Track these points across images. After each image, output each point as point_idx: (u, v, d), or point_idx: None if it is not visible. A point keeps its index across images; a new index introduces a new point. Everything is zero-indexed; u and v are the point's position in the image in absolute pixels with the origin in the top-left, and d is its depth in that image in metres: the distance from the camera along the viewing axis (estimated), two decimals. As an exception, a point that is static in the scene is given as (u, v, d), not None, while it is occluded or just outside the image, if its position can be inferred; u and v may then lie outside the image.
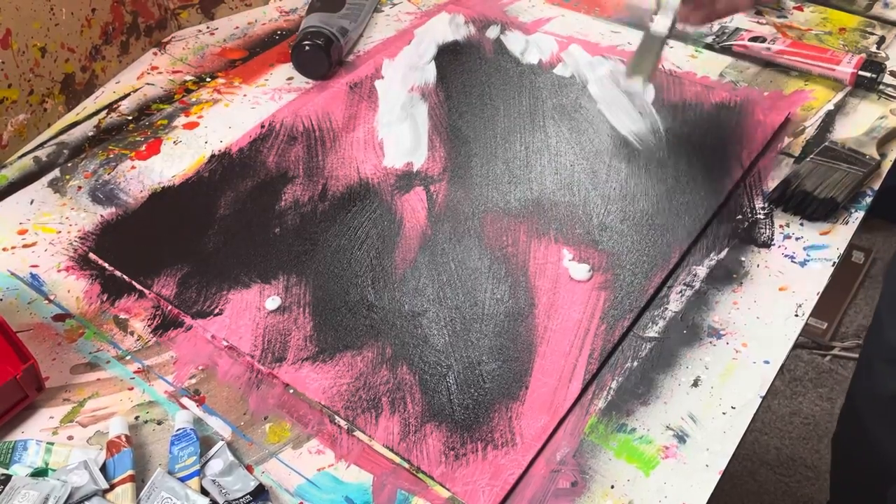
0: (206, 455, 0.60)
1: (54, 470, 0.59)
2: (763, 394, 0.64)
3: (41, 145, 0.91)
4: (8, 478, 0.57)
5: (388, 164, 0.85)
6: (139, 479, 0.59)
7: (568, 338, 0.68)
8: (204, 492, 0.58)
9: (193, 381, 0.67)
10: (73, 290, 0.74)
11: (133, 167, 0.87)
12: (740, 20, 1.05)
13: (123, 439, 0.60)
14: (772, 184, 0.82)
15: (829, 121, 0.90)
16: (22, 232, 0.80)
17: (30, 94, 0.90)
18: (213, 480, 0.58)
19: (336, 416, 0.63)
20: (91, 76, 0.97)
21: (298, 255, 0.76)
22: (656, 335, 0.69)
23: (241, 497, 0.57)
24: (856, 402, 1.14)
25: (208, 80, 0.99)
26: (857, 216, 0.80)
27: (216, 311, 0.71)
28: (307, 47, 0.96)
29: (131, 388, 0.66)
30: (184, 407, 0.65)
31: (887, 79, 0.95)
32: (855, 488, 1.22)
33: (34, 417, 0.64)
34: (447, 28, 1.03)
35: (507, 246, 0.76)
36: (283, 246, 0.77)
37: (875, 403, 1.07)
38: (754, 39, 0.99)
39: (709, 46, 1.01)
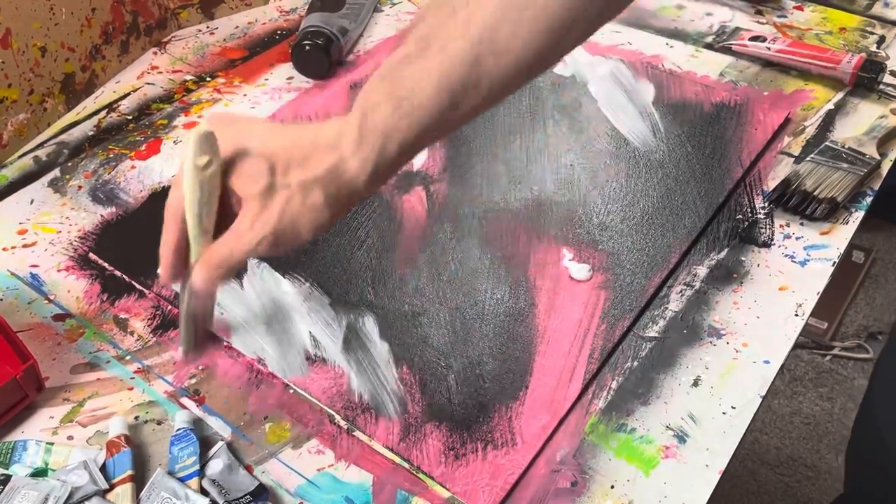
0: (206, 455, 0.60)
1: (54, 470, 0.59)
2: (763, 394, 0.64)
3: (41, 145, 0.90)
4: (8, 478, 0.57)
5: (388, 164, 0.85)
6: (139, 479, 0.59)
7: (568, 338, 0.68)
8: (204, 492, 0.58)
9: (193, 381, 0.67)
10: (73, 289, 0.74)
11: (133, 167, 0.87)
12: (740, 20, 1.05)
13: (123, 439, 0.60)
14: (772, 184, 0.82)
15: (829, 120, 0.90)
16: (22, 232, 0.80)
17: (30, 93, 0.90)
18: (213, 480, 0.58)
19: (336, 416, 0.63)
20: (91, 76, 0.97)
21: (298, 255, 0.76)
22: (656, 335, 0.69)
23: (241, 497, 0.57)
24: (876, 414, 1.09)
25: (208, 79, 0.99)
26: (857, 216, 0.79)
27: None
28: (307, 47, 0.96)
29: (131, 388, 0.66)
30: (184, 407, 0.64)
31: (887, 78, 0.94)
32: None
33: (34, 417, 0.64)
34: (447, 28, 1.03)
35: (507, 246, 0.76)
36: (283, 246, 0.77)
37: None
38: (754, 39, 0.99)
39: (709, 46, 1.01)
